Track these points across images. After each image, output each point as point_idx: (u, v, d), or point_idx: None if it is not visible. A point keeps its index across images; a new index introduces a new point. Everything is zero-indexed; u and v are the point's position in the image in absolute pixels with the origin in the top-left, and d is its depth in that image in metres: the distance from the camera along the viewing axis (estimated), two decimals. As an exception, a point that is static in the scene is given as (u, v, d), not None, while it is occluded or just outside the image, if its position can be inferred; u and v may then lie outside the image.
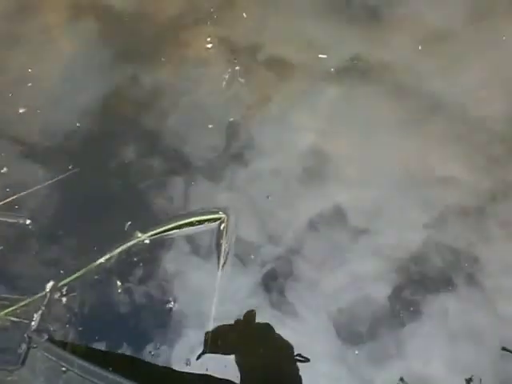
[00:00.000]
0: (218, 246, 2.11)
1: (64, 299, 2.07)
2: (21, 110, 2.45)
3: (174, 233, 2.14)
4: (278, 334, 1.99)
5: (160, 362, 1.98)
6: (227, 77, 2.48)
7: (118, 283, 2.08)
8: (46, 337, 2.00)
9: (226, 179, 2.25)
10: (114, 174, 2.28)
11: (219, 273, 2.07)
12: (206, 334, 1.98)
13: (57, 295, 2.08)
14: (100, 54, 2.57)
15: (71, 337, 2.03)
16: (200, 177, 2.27)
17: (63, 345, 2.00)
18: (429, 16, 2.58)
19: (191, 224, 2.13)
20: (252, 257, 2.10)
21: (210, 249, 2.12)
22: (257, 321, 2.01)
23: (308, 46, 2.53)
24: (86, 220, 2.20)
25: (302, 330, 2.00)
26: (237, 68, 2.49)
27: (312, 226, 2.17)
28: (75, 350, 1.99)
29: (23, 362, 1.96)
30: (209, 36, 2.58)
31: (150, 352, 1.98)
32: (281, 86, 2.45)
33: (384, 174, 2.26)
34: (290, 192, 2.23)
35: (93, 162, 2.31)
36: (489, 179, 2.24)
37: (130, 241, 2.13)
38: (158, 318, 2.04)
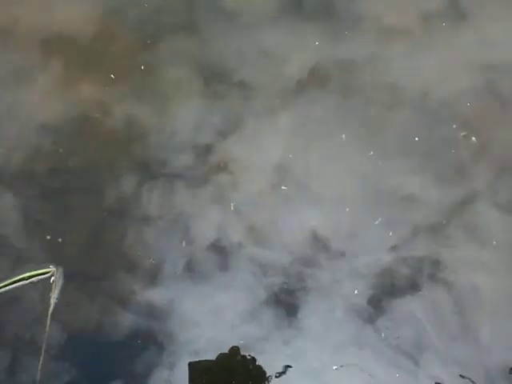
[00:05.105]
0: (48, 298, 2.21)
1: None
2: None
3: (8, 289, 2.24)
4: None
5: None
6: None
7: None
8: None
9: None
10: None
11: (48, 322, 2.17)
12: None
13: None
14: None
15: None
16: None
17: None
18: (384, 11, 2.76)
19: (23, 279, 2.23)
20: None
21: (41, 301, 2.22)
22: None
23: (268, 61, 2.70)
24: None
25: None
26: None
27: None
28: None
29: None
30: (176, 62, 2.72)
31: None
32: (246, 106, 2.61)
33: (348, 192, 2.44)
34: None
35: None
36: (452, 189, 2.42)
37: (-33, 299, 2.24)
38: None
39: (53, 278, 2.23)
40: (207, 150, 2.53)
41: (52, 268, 2.25)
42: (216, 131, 2.57)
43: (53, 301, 2.20)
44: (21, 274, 2.24)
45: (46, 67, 2.71)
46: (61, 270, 2.25)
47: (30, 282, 2.24)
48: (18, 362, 2.14)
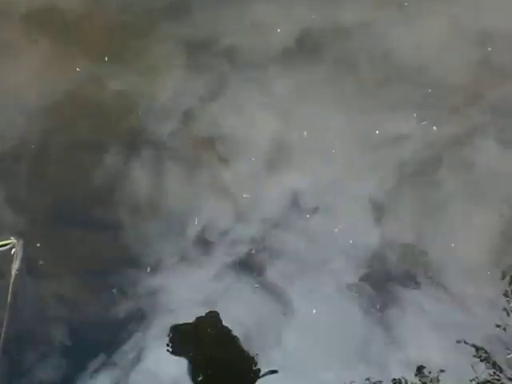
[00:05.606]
0: (9, 270, 2.21)
1: None
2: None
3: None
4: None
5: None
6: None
7: None
8: None
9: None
10: None
11: (9, 296, 2.19)
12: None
13: None
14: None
15: None
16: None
17: None
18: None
19: (-17, 250, 2.22)
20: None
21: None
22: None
23: (257, 30, 2.66)
24: None
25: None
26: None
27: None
28: None
29: None
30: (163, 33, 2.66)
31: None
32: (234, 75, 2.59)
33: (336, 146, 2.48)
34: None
35: None
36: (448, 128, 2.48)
37: None
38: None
39: (14, 250, 2.23)
40: (193, 116, 2.55)
41: (13, 240, 2.25)
42: (200, 97, 2.57)
43: (14, 272, 2.21)
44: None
45: (33, 43, 2.64)
46: (21, 242, 2.25)
47: (-8, 253, 2.23)
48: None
